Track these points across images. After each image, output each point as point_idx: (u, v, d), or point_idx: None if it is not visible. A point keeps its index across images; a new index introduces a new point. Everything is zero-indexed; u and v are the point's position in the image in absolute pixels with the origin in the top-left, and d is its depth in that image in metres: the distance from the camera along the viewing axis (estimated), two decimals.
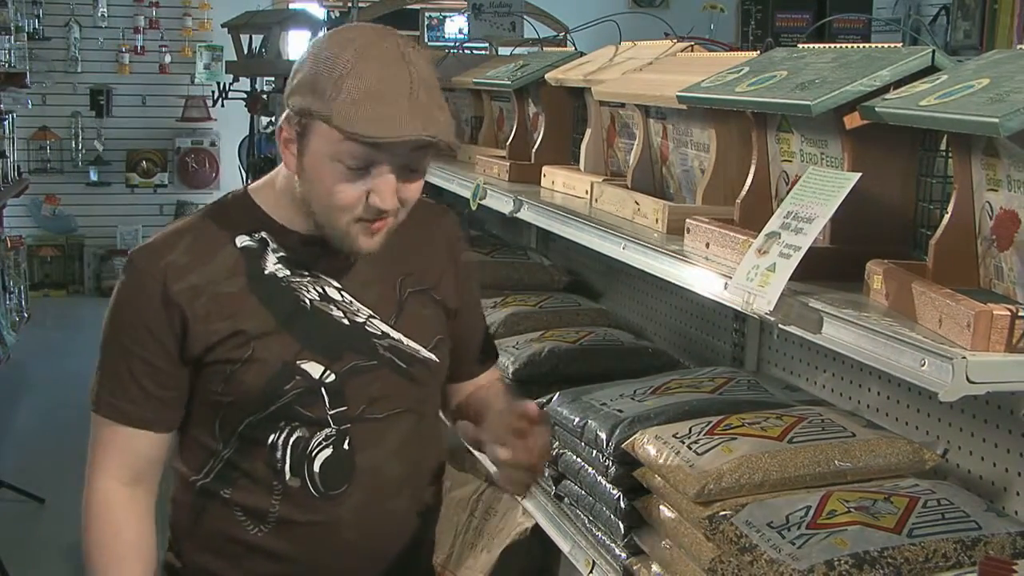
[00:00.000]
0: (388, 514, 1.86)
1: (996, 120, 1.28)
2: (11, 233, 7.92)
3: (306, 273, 1.82)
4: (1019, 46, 1.59)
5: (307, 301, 1.81)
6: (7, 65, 6.97)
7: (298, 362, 1.78)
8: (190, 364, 1.79)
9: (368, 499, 1.83)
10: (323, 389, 1.79)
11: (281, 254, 1.82)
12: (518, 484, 1.81)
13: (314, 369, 1.78)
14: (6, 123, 7.26)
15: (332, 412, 1.79)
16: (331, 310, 1.81)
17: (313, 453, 1.79)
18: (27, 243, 8.45)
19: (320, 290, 1.82)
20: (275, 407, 1.78)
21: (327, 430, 1.80)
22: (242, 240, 1.82)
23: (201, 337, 1.76)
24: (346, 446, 1.80)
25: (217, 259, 1.79)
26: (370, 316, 1.84)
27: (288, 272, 1.81)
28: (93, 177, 9.47)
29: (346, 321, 1.82)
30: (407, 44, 1.72)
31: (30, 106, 8.38)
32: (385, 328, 1.84)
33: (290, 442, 1.79)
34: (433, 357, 1.88)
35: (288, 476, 1.79)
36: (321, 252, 1.81)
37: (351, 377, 1.80)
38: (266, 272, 1.80)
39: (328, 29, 1.79)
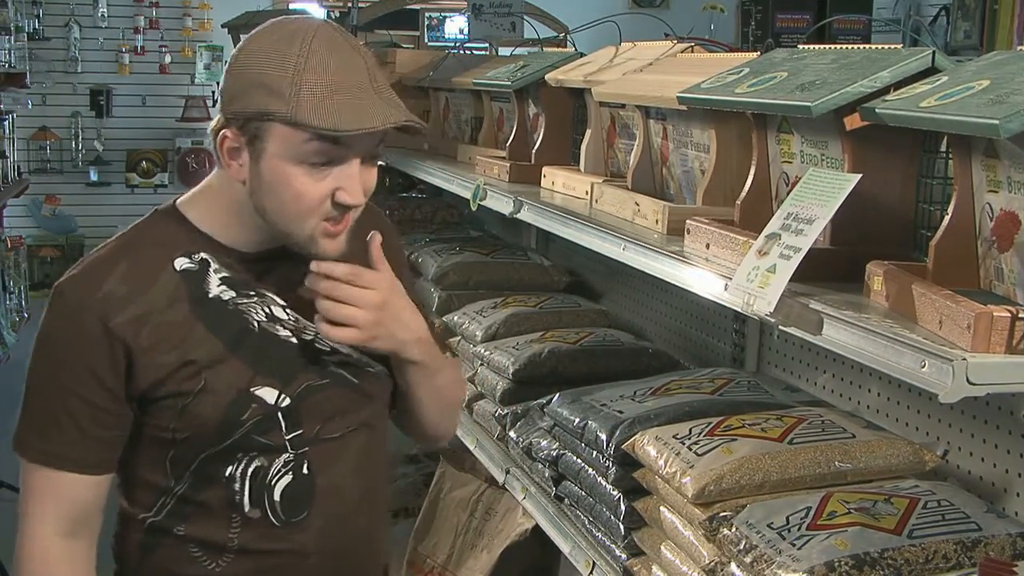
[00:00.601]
0: (349, 533, 1.81)
1: (996, 122, 1.28)
2: (11, 233, 7.93)
3: (252, 293, 1.74)
4: (1020, 47, 1.59)
5: (255, 323, 1.72)
6: (7, 65, 6.97)
7: (252, 389, 1.70)
8: (135, 401, 1.69)
9: (329, 521, 1.77)
10: (279, 414, 1.72)
11: (224, 274, 1.73)
12: (332, 327, 1.70)
13: (269, 395, 1.71)
14: (6, 123, 7.26)
15: (289, 437, 1.73)
16: (278, 330, 1.74)
17: (273, 482, 1.72)
18: (27, 243, 8.45)
19: (267, 310, 1.74)
20: (232, 439, 1.70)
21: (285, 455, 1.73)
22: (181, 263, 1.72)
23: (148, 371, 1.67)
24: (305, 470, 1.74)
25: (157, 285, 1.69)
26: (318, 333, 1.76)
27: (233, 294, 1.73)
28: (93, 177, 9.46)
29: (294, 340, 1.75)
30: (342, 30, 1.67)
31: (30, 106, 8.37)
32: (334, 343, 1.78)
33: (248, 473, 1.72)
34: (382, 368, 1.83)
35: (247, 508, 1.72)
36: (264, 269, 1.75)
37: (305, 398, 1.74)
38: (210, 295, 1.71)
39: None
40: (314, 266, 1.69)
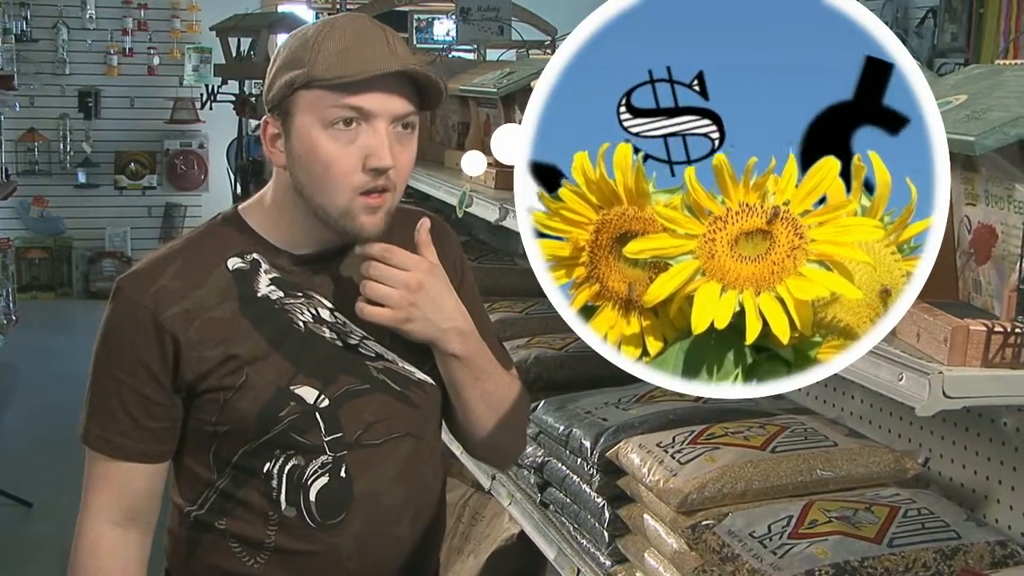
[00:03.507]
0: (390, 541, 1.80)
1: (972, 138, 1.29)
2: None
3: (299, 294, 1.76)
4: (998, 61, 1.60)
5: (300, 323, 1.75)
6: None
7: (292, 387, 1.72)
8: (182, 393, 1.73)
9: (368, 527, 1.77)
10: (318, 414, 1.73)
11: (274, 275, 1.76)
12: (367, 306, 1.71)
13: (308, 394, 1.73)
14: None
15: (328, 439, 1.74)
16: (324, 332, 1.76)
17: (309, 482, 1.74)
18: (15, 245, 8.45)
19: (313, 311, 1.76)
20: (270, 435, 1.72)
21: (323, 457, 1.74)
22: (234, 262, 1.76)
23: (194, 364, 1.71)
24: (343, 474, 1.75)
25: (208, 283, 1.74)
26: (364, 337, 1.77)
27: (281, 294, 1.76)
28: (81, 179, 9.46)
29: (339, 343, 1.76)
30: (376, 21, 1.71)
31: (18, 108, 8.37)
32: (379, 349, 1.78)
33: (285, 471, 1.74)
34: (428, 379, 1.81)
35: (284, 506, 1.74)
36: (314, 271, 1.77)
37: (345, 401, 1.74)
38: (259, 294, 1.75)
39: None
40: (356, 249, 1.73)
